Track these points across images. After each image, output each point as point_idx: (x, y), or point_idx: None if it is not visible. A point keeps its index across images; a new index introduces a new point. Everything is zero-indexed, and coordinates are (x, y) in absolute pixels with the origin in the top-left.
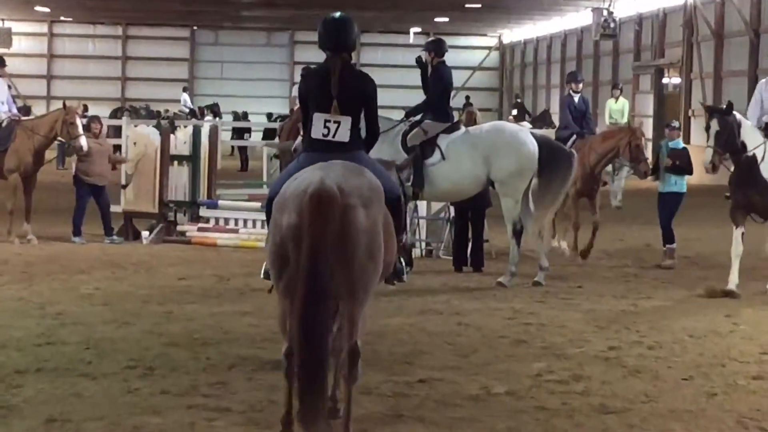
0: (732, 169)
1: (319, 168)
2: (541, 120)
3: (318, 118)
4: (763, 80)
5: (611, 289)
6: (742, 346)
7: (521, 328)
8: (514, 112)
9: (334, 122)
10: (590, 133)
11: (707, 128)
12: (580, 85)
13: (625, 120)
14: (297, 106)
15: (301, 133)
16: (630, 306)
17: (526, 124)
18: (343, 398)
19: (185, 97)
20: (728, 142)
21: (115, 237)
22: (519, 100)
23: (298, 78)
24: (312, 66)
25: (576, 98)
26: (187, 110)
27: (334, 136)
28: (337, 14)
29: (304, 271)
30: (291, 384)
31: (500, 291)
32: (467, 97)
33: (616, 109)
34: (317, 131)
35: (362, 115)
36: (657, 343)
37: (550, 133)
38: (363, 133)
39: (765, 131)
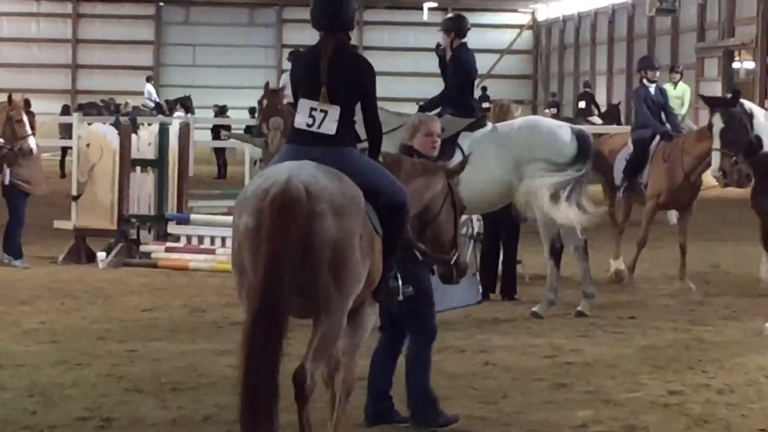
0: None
1: (289, 166)
2: (610, 116)
3: (303, 106)
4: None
5: (671, 320)
6: None
7: (561, 368)
8: (552, 109)
9: (321, 111)
10: (676, 131)
11: (710, 127)
12: (657, 73)
13: (685, 110)
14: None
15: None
16: (694, 341)
17: (596, 119)
18: None
19: (149, 88)
20: (738, 139)
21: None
22: (555, 98)
23: (287, 65)
24: (302, 49)
25: (652, 89)
26: (152, 104)
27: (319, 127)
28: None
29: (258, 283)
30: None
31: (535, 323)
32: (484, 89)
33: (674, 96)
34: (301, 120)
35: (359, 106)
36: (727, 387)
37: (620, 132)
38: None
39: None
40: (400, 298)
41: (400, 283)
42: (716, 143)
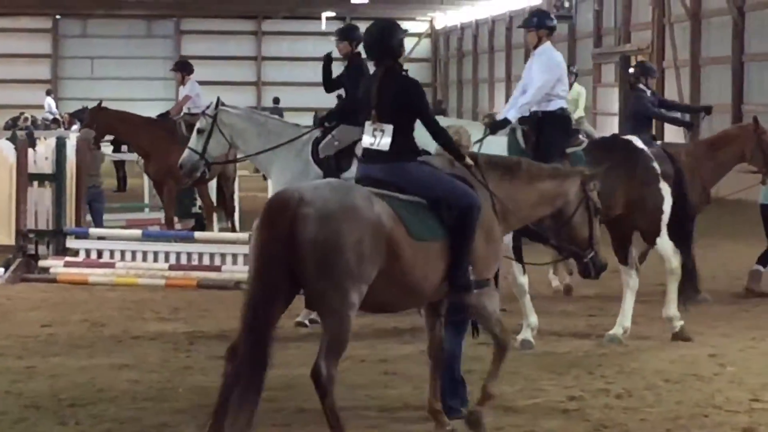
0: None
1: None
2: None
3: (368, 127)
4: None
5: (570, 327)
6: (728, 392)
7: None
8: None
9: (379, 130)
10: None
11: None
12: (654, 81)
13: (578, 114)
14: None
15: None
16: (593, 346)
17: None
18: None
19: (50, 101)
20: None
21: None
22: (441, 105)
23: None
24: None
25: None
26: (51, 117)
27: (378, 145)
28: (379, 21)
29: (251, 272)
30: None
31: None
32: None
33: (569, 99)
34: (366, 140)
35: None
36: (626, 391)
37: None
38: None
39: None
40: (474, 291)
41: (472, 277)
42: None
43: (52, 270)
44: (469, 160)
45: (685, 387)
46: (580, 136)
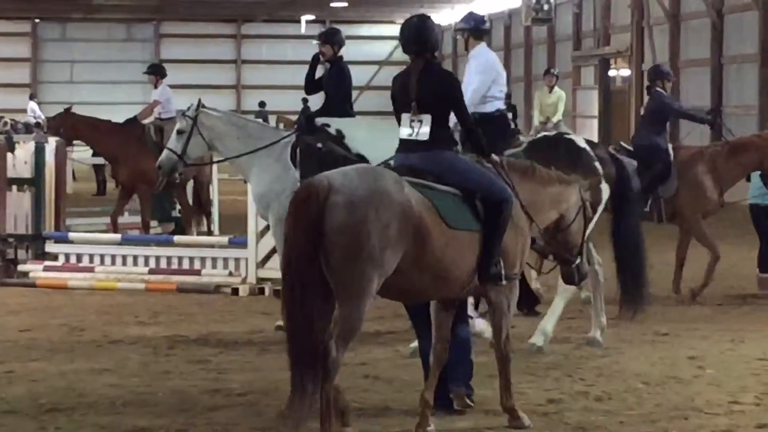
0: None
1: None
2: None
3: (405, 119)
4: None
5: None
6: (708, 394)
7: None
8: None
9: (417, 121)
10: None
11: None
12: (671, 85)
13: (558, 117)
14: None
15: None
16: (573, 349)
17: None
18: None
19: (33, 105)
20: None
21: None
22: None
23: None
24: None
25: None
26: (34, 122)
27: (416, 135)
28: (415, 17)
29: (283, 258)
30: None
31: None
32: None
33: (548, 102)
34: (404, 131)
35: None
36: (606, 394)
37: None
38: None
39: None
40: (503, 282)
41: (503, 269)
42: None
43: (31, 274)
44: (495, 158)
45: (664, 389)
46: (520, 137)
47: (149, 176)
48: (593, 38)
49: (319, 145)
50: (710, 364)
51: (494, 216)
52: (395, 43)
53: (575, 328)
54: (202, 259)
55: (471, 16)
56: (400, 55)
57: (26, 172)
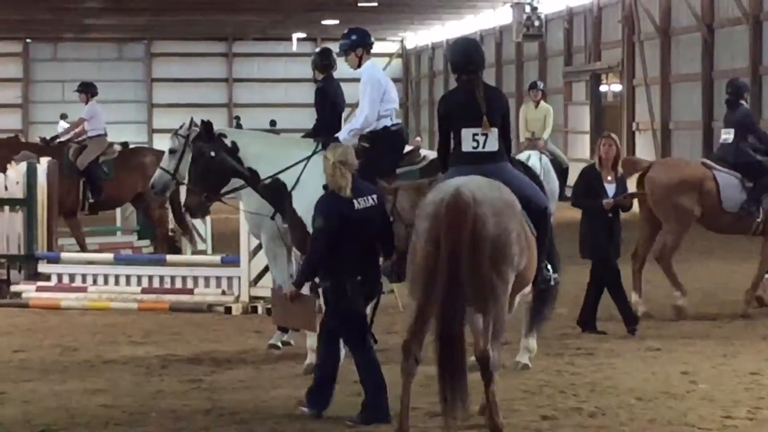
0: None
1: (458, 180)
2: None
3: (466, 134)
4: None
5: (543, 345)
6: (701, 409)
7: (435, 396)
8: (418, 138)
9: (482, 134)
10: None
11: None
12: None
13: (547, 134)
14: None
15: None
16: (566, 365)
17: None
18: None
19: (64, 125)
20: None
21: None
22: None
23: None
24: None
25: None
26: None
27: (484, 147)
28: (466, 38)
29: (443, 273)
30: (407, 380)
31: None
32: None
33: (534, 118)
34: (467, 145)
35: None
36: (599, 410)
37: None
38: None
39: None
40: (552, 284)
41: (552, 272)
42: None
43: (24, 295)
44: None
45: (657, 405)
46: (421, 152)
47: (63, 198)
48: (584, 54)
49: (212, 153)
50: (703, 379)
51: (542, 222)
52: (386, 59)
53: (568, 343)
54: (195, 278)
55: (359, 31)
56: (391, 71)
57: (18, 192)
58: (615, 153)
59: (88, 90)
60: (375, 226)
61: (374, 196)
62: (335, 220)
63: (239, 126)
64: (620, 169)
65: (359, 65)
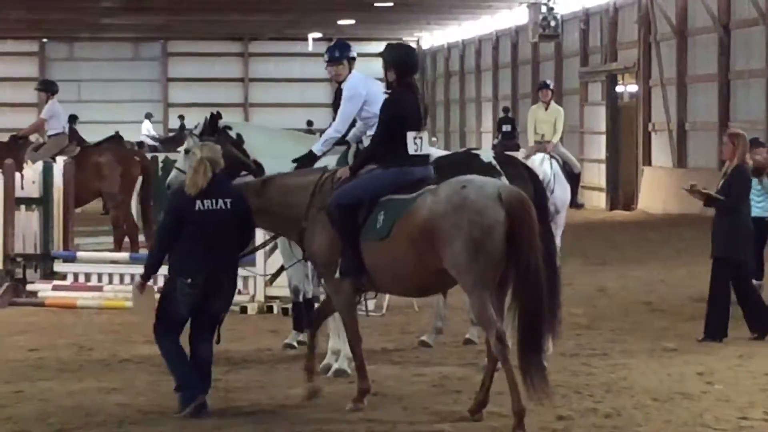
0: None
1: (476, 177)
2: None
3: (410, 136)
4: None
5: (558, 345)
6: (717, 410)
7: (450, 397)
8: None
9: (418, 138)
10: None
11: None
12: None
13: (558, 137)
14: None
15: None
16: (581, 366)
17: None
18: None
19: (148, 125)
20: None
21: None
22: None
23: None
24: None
25: None
26: (151, 140)
27: (420, 150)
28: (405, 45)
29: (532, 260)
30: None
31: (424, 352)
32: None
33: (543, 120)
34: (411, 148)
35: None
36: (614, 410)
37: None
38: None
39: None
40: None
41: None
42: None
43: (40, 294)
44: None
45: (673, 405)
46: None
47: None
48: (600, 54)
49: (218, 147)
50: (719, 380)
51: None
52: None
53: (584, 344)
54: None
55: (341, 45)
56: None
57: (34, 191)
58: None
59: (47, 89)
60: (222, 229)
61: (228, 201)
62: (173, 217)
63: (311, 128)
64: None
65: (343, 79)
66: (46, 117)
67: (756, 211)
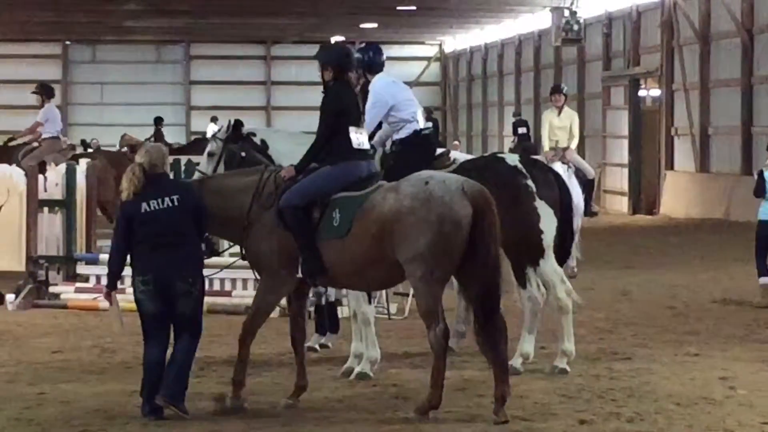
0: None
1: (434, 172)
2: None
3: (353, 131)
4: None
5: (581, 349)
6: (740, 415)
7: (473, 401)
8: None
9: (360, 133)
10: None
11: None
12: None
13: (575, 143)
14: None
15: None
16: (604, 370)
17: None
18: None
19: (214, 127)
20: None
21: None
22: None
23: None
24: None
25: None
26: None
27: (363, 145)
28: (342, 42)
29: (493, 250)
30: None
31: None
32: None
33: (558, 126)
34: (356, 142)
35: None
36: (637, 415)
37: None
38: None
39: None
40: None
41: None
42: None
43: (62, 296)
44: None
45: (696, 410)
46: (451, 156)
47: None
48: (623, 58)
49: (243, 153)
50: (742, 385)
51: None
52: (425, 63)
53: (606, 348)
54: (233, 280)
55: (372, 47)
56: (429, 75)
57: (57, 193)
58: None
59: (44, 92)
60: (171, 226)
61: (175, 197)
62: (122, 223)
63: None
64: None
65: (357, 85)
66: (42, 120)
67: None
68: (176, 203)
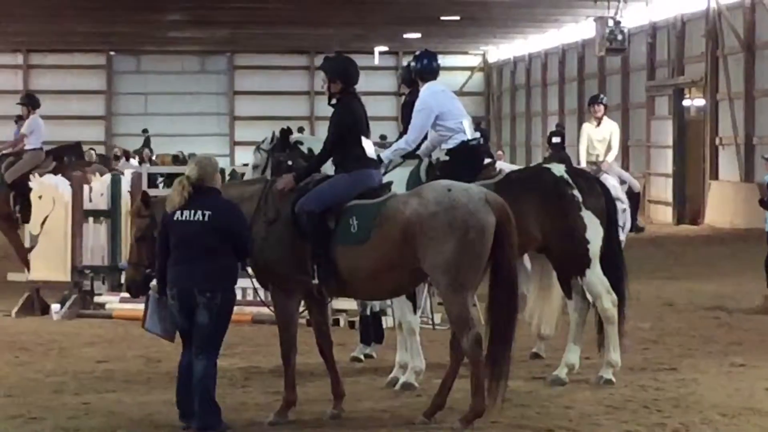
0: None
1: (454, 182)
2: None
3: (365, 141)
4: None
5: (626, 359)
6: None
7: (517, 411)
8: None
9: (368, 144)
10: None
11: None
12: None
13: (613, 157)
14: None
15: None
16: (650, 380)
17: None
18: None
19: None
20: None
21: None
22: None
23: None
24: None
25: None
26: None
27: (373, 155)
28: (347, 57)
29: (513, 261)
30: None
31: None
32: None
33: (597, 138)
34: (369, 152)
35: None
36: (683, 425)
37: None
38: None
39: None
40: None
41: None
42: None
43: (107, 306)
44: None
45: (741, 421)
46: (497, 166)
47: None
48: (667, 68)
49: (289, 162)
50: None
51: None
52: (468, 73)
53: (651, 359)
54: None
55: (427, 56)
56: (473, 85)
57: (102, 203)
58: None
59: (30, 103)
60: (193, 240)
61: (207, 213)
62: (161, 230)
63: (384, 141)
64: None
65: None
66: (26, 132)
67: None
68: (205, 219)
